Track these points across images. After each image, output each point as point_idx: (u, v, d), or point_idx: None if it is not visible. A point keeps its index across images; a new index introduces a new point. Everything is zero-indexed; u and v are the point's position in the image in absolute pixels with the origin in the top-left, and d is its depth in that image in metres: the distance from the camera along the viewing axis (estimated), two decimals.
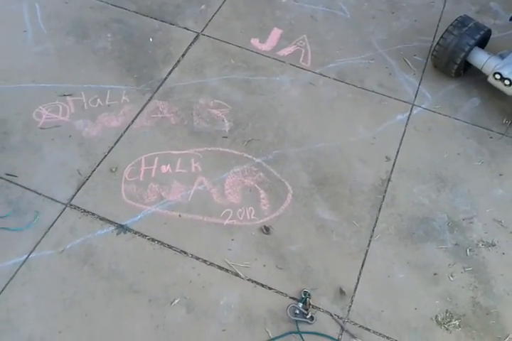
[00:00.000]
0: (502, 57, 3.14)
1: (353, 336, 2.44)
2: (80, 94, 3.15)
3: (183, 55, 3.39)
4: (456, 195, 2.91)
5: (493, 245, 2.75)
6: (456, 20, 3.21)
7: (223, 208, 2.77)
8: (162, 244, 2.63)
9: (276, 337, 2.40)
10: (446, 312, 2.54)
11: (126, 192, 2.78)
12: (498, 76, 3.06)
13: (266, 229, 2.71)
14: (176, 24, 3.55)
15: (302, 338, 2.40)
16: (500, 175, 3.00)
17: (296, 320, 2.44)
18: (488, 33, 3.27)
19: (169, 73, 3.29)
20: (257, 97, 3.22)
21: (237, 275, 2.57)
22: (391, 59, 3.47)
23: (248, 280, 2.56)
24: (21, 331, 2.36)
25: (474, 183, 2.96)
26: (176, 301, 2.48)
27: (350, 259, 2.67)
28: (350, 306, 2.53)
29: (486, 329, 2.51)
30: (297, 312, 2.45)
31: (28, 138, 2.95)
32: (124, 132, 3.02)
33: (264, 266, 2.61)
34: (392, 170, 2.98)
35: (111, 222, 2.68)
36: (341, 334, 2.45)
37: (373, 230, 2.76)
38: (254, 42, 3.50)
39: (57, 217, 2.67)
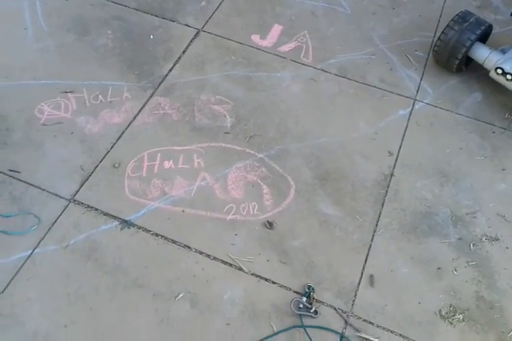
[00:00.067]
0: (503, 52, 3.15)
1: (356, 330, 2.44)
2: (82, 90, 3.14)
3: (183, 52, 3.39)
4: (459, 190, 2.92)
5: (497, 239, 2.75)
6: (457, 15, 3.22)
7: (226, 203, 2.77)
8: (166, 239, 2.63)
9: (281, 331, 2.40)
10: (450, 307, 2.54)
11: (129, 188, 2.78)
12: (499, 71, 3.06)
13: (269, 224, 2.71)
14: (176, 21, 3.55)
15: (306, 332, 2.40)
16: (503, 169, 3.01)
17: (300, 314, 2.44)
18: (490, 28, 3.27)
19: (170, 70, 3.29)
20: (258, 93, 3.22)
21: (240, 269, 2.57)
22: (392, 54, 3.48)
23: (252, 274, 2.57)
24: (26, 326, 2.36)
25: (477, 178, 2.97)
26: (180, 296, 2.48)
27: (354, 254, 2.67)
28: (354, 300, 2.53)
29: (489, 323, 2.51)
30: (301, 306, 2.46)
31: (31, 134, 2.95)
32: (126, 128, 3.02)
33: (268, 260, 2.61)
34: (394, 165, 2.98)
35: (114, 218, 2.68)
36: (345, 328, 2.45)
37: (376, 225, 2.76)
38: (255, 38, 3.50)
39: (61, 212, 2.68)
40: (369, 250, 2.69)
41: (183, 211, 2.73)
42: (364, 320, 2.48)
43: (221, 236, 2.67)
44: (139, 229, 2.65)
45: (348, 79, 3.34)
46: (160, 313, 2.42)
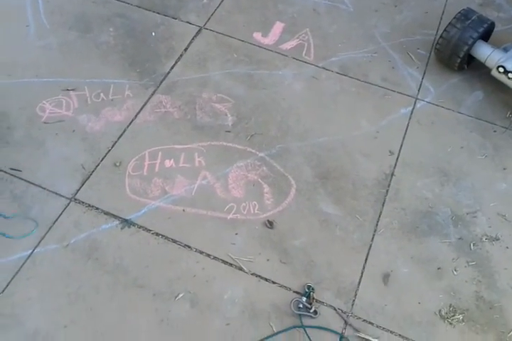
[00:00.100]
0: (506, 50, 3.13)
1: (356, 330, 2.45)
2: (83, 88, 3.15)
3: (185, 49, 3.38)
4: (460, 189, 2.91)
5: (497, 239, 2.75)
6: (459, 13, 3.20)
7: (227, 202, 2.78)
8: (166, 238, 2.64)
9: (280, 331, 2.41)
10: (450, 307, 2.54)
11: (130, 187, 2.79)
12: (501, 69, 3.05)
13: (269, 224, 2.71)
14: (178, 18, 3.54)
15: (306, 332, 2.40)
16: (504, 168, 3.00)
17: (300, 314, 2.45)
18: (492, 25, 3.25)
19: (172, 67, 3.29)
20: (260, 91, 3.22)
21: (240, 269, 2.58)
22: (394, 52, 3.46)
23: (252, 274, 2.57)
24: (27, 325, 2.37)
25: (478, 177, 2.96)
26: (180, 295, 2.49)
27: (354, 253, 2.68)
28: (354, 300, 2.53)
29: (489, 323, 2.51)
30: (301, 306, 2.46)
31: (32, 132, 2.95)
32: (128, 127, 3.02)
33: (268, 260, 2.62)
34: (395, 164, 2.97)
35: (115, 217, 2.69)
36: (345, 329, 2.46)
37: (377, 224, 2.76)
38: (257, 36, 3.49)
39: (62, 211, 2.68)
40: (369, 249, 2.69)
41: (183, 210, 2.74)
42: (364, 320, 2.49)
43: (221, 236, 2.67)
44: (140, 228, 2.66)
45: (350, 77, 3.33)
46: (160, 313, 2.44)
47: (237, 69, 3.31)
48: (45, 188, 2.76)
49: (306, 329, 2.41)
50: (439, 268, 2.65)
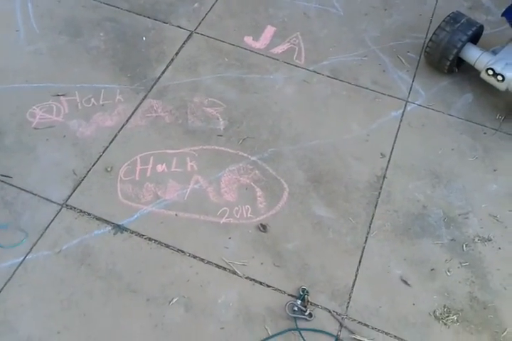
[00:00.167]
0: (494, 53, 3.15)
1: (351, 332, 2.45)
2: (74, 93, 3.13)
3: (176, 54, 3.38)
4: (451, 191, 2.93)
5: (489, 240, 2.77)
6: (448, 16, 3.22)
7: (220, 207, 2.77)
8: (159, 243, 2.63)
9: (276, 334, 2.41)
10: (444, 307, 2.55)
11: (122, 192, 2.78)
12: (490, 72, 3.07)
13: (263, 227, 2.71)
14: (169, 23, 3.54)
15: (301, 335, 2.40)
16: (495, 170, 3.02)
17: (295, 317, 2.44)
18: (481, 29, 3.28)
19: (163, 72, 3.28)
20: (251, 95, 3.22)
21: (234, 273, 2.57)
22: (384, 56, 3.48)
23: (246, 278, 2.57)
24: (20, 332, 2.35)
25: (469, 179, 2.98)
26: (174, 300, 2.47)
27: (347, 256, 2.68)
28: (349, 303, 2.53)
29: (483, 323, 2.52)
30: (296, 309, 2.46)
31: (22, 138, 2.94)
32: (119, 132, 3.01)
33: (262, 263, 2.62)
34: (387, 167, 2.98)
35: (107, 222, 2.67)
36: (340, 331, 2.45)
37: (370, 227, 2.77)
38: (248, 40, 3.50)
39: (54, 217, 2.66)
40: (362, 252, 2.69)
41: (176, 215, 2.73)
42: (359, 322, 2.49)
43: (215, 240, 2.67)
44: (132, 233, 2.65)
45: (341, 80, 3.34)
46: (154, 318, 2.42)
47: (229, 74, 3.31)
48: (36, 194, 2.74)
49: (302, 332, 2.40)
50: (432, 270, 2.66)
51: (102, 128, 3.01)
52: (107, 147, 2.94)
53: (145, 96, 3.16)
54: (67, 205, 2.72)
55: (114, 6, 3.59)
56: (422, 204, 2.87)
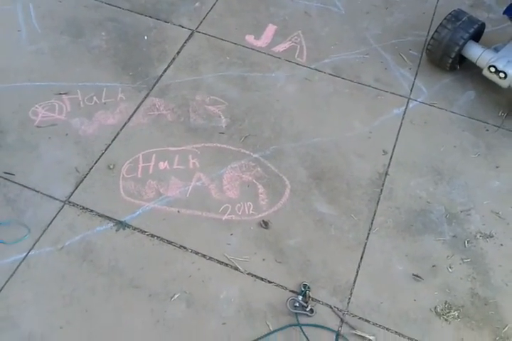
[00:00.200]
0: (496, 50, 3.15)
1: (352, 328, 2.45)
2: (76, 92, 3.15)
3: (178, 53, 3.40)
4: (454, 188, 2.92)
5: (491, 236, 2.76)
6: (449, 14, 3.23)
7: (222, 203, 2.78)
8: (161, 239, 2.64)
9: (277, 330, 2.41)
10: (445, 304, 2.55)
11: (124, 189, 2.79)
12: (492, 69, 3.07)
13: (265, 224, 2.71)
14: (170, 22, 3.56)
15: (302, 330, 2.40)
16: (497, 167, 3.02)
17: (296, 313, 2.44)
18: (482, 26, 3.28)
19: (165, 70, 3.29)
20: (253, 93, 3.23)
21: (236, 269, 2.58)
22: (386, 54, 3.49)
23: (248, 274, 2.57)
24: (22, 328, 2.36)
25: (471, 175, 2.98)
26: (176, 296, 2.48)
27: (349, 252, 2.68)
28: (350, 298, 2.53)
29: (484, 319, 2.52)
30: (297, 305, 2.46)
31: (25, 136, 2.95)
32: (121, 130, 3.02)
33: (264, 260, 2.62)
34: (389, 164, 2.98)
35: (110, 219, 2.68)
36: (341, 326, 2.45)
37: (371, 223, 2.77)
38: (249, 38, 3.51)
39: (56, 214, 2.68)
40: (364, 248, 2.69)
41: (178, 211, 2.74)
42: (360, 317, 2.49)
43: (217, 236, 2.67)
44: (135, 230, 2.66)
45: (343, 78, 3.35)
46: (156, 314, 2.43)
47: (230, 72, 3.32)
48: (38, 191, 2.76)
49: (303, 327, 2.41)
50: (433, 266, 2.65)
51: (104, 126, 3.03)
52: (109, 145, 2.95)
53: (147, 95, 3.17)
54: (69, 202, 2.73)
55: (115, 6, 3.61)
56: (424, 200, 2.86)
